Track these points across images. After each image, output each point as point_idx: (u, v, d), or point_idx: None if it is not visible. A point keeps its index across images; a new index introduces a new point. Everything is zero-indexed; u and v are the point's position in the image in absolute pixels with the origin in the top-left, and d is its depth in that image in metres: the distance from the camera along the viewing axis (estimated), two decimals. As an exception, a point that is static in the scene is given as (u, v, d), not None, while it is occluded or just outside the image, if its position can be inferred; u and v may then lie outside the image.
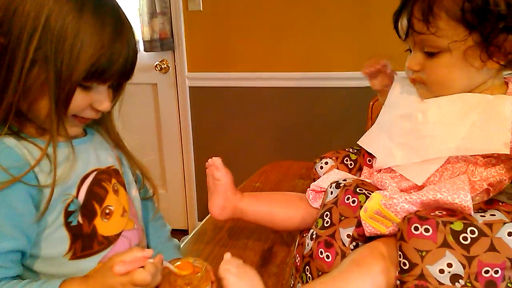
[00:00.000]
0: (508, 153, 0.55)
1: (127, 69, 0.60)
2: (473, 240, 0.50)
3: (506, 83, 0.62)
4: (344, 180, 0.66)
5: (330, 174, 0.74)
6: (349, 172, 0.76)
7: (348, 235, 0.61)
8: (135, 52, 0.60)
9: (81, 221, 0.61)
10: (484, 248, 0.50)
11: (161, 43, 1.95)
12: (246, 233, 0.93)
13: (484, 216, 0.52)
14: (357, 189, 0.63)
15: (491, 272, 0.50)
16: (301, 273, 0.65)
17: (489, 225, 0.50)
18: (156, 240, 0.78)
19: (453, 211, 0.54)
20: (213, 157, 0.78)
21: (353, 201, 0.62)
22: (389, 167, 0.66)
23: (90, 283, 0.53)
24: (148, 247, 0.74)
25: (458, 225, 0.51)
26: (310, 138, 1.94)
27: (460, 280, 0.50)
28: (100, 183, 0.64)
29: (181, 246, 0.88)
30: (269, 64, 1.90)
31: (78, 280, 0.54)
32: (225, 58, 1.95)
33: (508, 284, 0.51)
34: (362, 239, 0.61)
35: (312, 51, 1.83)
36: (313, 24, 1.80)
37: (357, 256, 0.58)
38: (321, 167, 0.78)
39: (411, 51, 0.64)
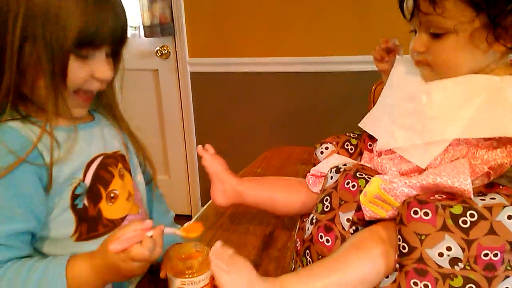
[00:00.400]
0: None
1: (118, 33, 0.60)
2: (473, 224, 0.50)
3: None
4: (344, 164, 0.66)
5: (330, 159, 0.74)
6: (350, 157, 0.76)
7: (347, 220, 0.61)
8: (124, 15, 0.60)
9: (86, 204, 0.62)
10: (483, 232, 0.50)
11: (162, 28, 1.93)
12: (247, 218, 0.94)
13: (484, 200, 0.52)
14: (357, 174, 0.62)
15: (491, 255, 0.50)
16: (302, 257, 0.65)
17: (489, 208, 0.50)
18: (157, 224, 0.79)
19: (453, 195, 0.54)
20: (198, 146, 0.79)
21: (353, 186, 0.62)
22: (390, 150, 0.66)
23: (95, 260, 0.55)
24: None
25: (457, 209, 0.51)
26: (313, 123, 1.94)
27: (459, 263, 0.50)
28: (106, 168, 0.65)
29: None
30: (271, 49, 1.89)
31: (84, 257, 0.55)
32: (226, 43, 1.93)
33: (507, 267, 0.51)
34: (362, 223, 0.61)
35: (314, 35, 1.81)
36: (314, 7, 1.78)
37: (356, 240, 0.58)
38: (322, 152, 0.77)
39: (416, 32, 0.63)
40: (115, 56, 0.64)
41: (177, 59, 2.02)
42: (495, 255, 0.50)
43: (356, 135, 0.79)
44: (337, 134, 0.80)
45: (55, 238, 0.60)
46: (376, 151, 0.70)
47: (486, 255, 0.50)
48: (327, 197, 0.64)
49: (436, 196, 0.54)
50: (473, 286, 0.50)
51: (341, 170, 0.65)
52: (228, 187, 0.77)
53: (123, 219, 0.66)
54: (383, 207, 0.58)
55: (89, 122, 0.68)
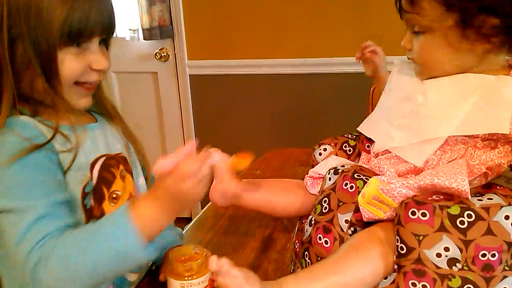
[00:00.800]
0: (508, 133, 0.55)
1: (106, 21, 0.60)
2: (470, 224, 0.50)
3: (510, 66, 0.62)
4: (342, 166, 0.66)
5: (328, 161, 0.74)
6: (348, 158, 0.76)
7: (346, 221, 0.61)
8: (109, 3, 0.60)
9: (92, 203, 0.62)
10: (481, 232, 0.50)
11: (161, 31, 1.94)
12: (246, 220, 0.94)
13: (482, 200, 0.52)
14: (355, 175, 0.63)
15: (488, 256, 0.50)
16: (301, 258, 0.65)
17: (486, 208, 0.50)
18: None
19: (450, 195, 0.54)
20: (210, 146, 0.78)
21: (351, 187, 0.62)
22: (387, 150, 0.66)
23: (151, 195, 0.54)
24: None
25: (455, 209, 0.51)
26: (311, 125, 1.94)
27: (457, 264, 0.50)
28: (109, 168, 0.66)
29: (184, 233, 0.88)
30: (269, 51, 1.89)
31: (141, 197, 0.56)
32: (225, 45, 1.94)
33: (505, 267, 0.51)
34: (360, 224, 0.61)
35: (312, 37, 1.82)
36: (313, 9, 1.78)
37: (355, 241, 0.58)
38: (320, 154, 0.77)
39: None
40: (106, 44, 0.65)
41: (176, 61, 2.02)
42: (493, 255, 0.50)
43: (354, 136, 0.79)
44: (335, 136, 0.80)
45: None
46: (374, 152, 0.70)
47: (484, 255, 0.50)
48: (326, 199, 0.64)
49: (434, 196, 0.54)
50: (471, 286, 0.50)
51: (339, 171, 0.65)
52: (227, 188, 0.77)
53: None
54: (381, 208, 0.58)
55: (92, 124, 0.68)
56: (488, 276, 0.50)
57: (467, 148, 0.60)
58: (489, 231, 0.50)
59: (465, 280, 0.50)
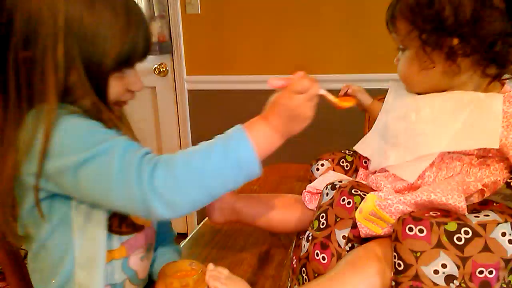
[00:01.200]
0: (498, 147, 0.56)
1: (148, 47, 0.62)
2: (467, 241, 0.50)
3: (502, 84, 0.63)
4: (340, 181, 0.66)
5: (326, 176, 0.74)
6: (345, 174, 0.76)
7: (343, 237, 0.61)
8: (149, 28, 0.62)
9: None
10: (478, 249, 0.50)
11: (160, 46, 1.96)
12: (243, 235, 0.93)
13: (478, 217, 0.52)
14: (353, 191, 0.63)
15: (485, 273, 0.50)
16: (298, 275, 0.65)
17: (483, 225, 0.50)
18: (158, 242, 0.78)
19: (447, 212, 0.54)
20: None
21: (349, 203, 0.62)
22: (384, 168, 0.67)
23: (265, 113, 0.59)
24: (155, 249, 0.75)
25: (452, 226, 0.51)
26: (309, 140, 1.93)
27: (454, 281, 0.50)
28: None
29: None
30: (267, 67, 1.91)
31: (255, 117, 0.60)
32: (223, 61, 1.96)
33: (503, 285, 0.51)
34: (358, 240, 0.61)
35: (309, 53, 1.84)
36: (309, 26, 1.81)
37: (352, 258, 0.58)
38: (317, 169, 0.78)
39: None
40: None
41: (174, 76, 2.04)
42: (490, 272, 0.50)
43: (352, 152, 0.79)
44: (333, 151, 0.81)
45: (89, 220, 0.59)
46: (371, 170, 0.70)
47: (481, 272, 0.50)
48: (323, 214, 0.64)
49: (431, 213, 0.54)
50: (469, 304, 0.50)
51: (336, 186, 0.65)
52: (225, 204, 0.77)
53: (142, 227, 0.66)
54: (379, 223, 0.58)
55: None
56: (485, 294, 0.50)
57: (463, 165, 0.60)
58: (486, 248, 0.50)
59: (462, 298, 0.50)
